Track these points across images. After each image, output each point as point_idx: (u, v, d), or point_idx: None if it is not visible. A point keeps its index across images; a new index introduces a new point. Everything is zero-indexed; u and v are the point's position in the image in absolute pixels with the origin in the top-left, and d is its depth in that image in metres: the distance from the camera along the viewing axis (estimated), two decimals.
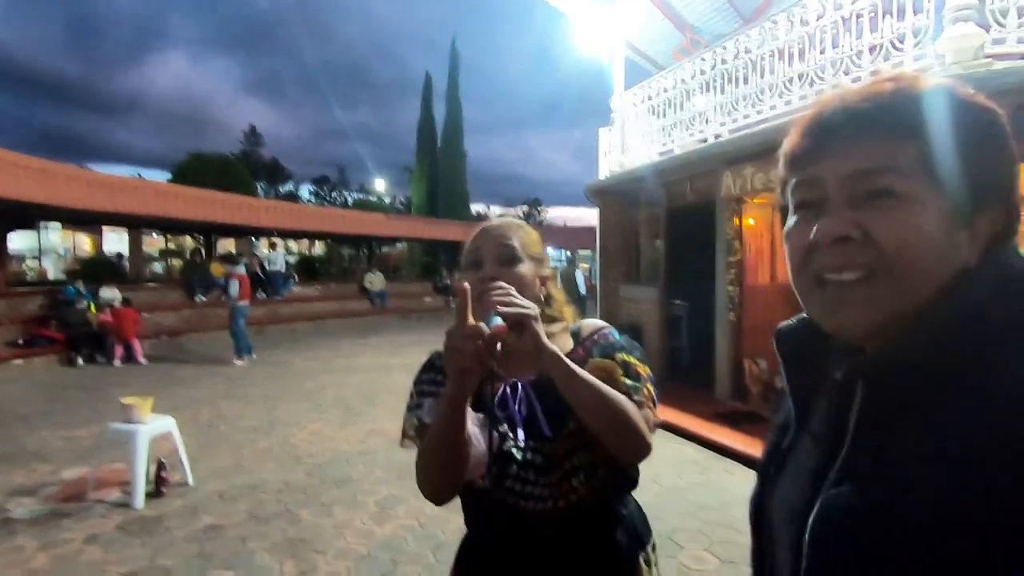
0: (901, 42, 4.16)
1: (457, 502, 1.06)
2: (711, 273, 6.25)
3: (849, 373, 0.52)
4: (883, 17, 4.35)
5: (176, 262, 22.16)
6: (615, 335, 1.10)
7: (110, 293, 11.23)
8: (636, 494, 1.13)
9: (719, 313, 6.14)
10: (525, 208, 50.55)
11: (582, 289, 12.91)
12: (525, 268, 1.07)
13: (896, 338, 0.49)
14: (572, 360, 0.98)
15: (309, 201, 43.69)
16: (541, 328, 0.94)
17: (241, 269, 10.01)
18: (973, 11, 3.75)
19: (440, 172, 24.85)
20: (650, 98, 7.12)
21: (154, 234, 21.25)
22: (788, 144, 0.56)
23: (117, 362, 9.46)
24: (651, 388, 1.04)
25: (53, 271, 20.45)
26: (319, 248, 25.71)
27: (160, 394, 5.60)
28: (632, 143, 7.65)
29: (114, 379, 8.17)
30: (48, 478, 4.22)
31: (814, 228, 0.51)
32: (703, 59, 6.20)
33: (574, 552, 1.01)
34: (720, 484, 4.10)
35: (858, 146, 0.50)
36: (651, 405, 1.02)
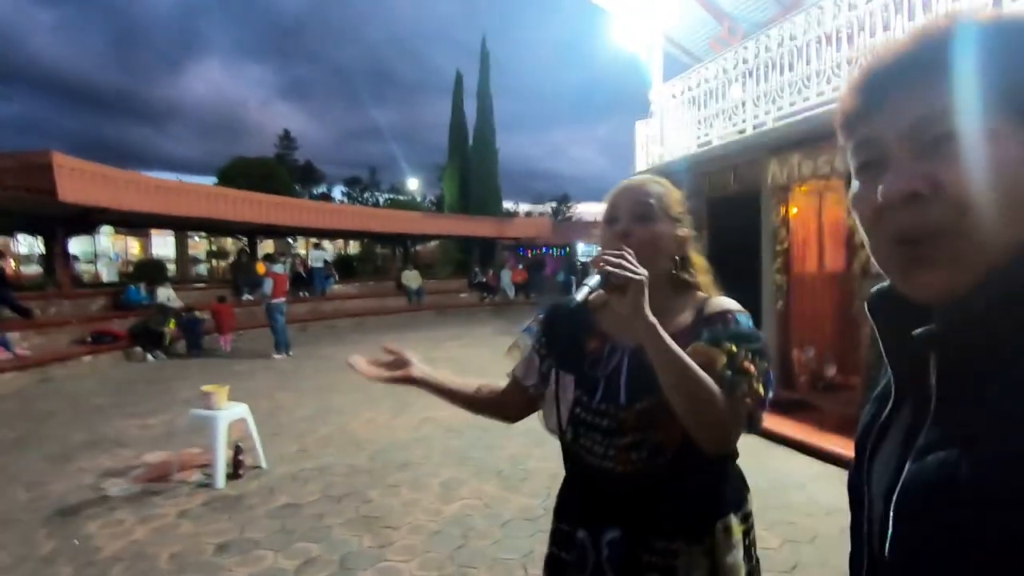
0: None
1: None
2: (756, 263, 6.23)
3: (920, 340, 0.48)
4: None
5: (219, 263, 23.04)
6: (740, 322, 1.04)
7: (166, 293, 11.79)
8: None
9: (766, 303, 6.12)
10: (554, 204, 50.37)
11: None
12: (661, 226, 1.08)
13: (974, 301, 0.44)
14: (682, 335, 0.99)
15: (342, 202, 44.52)
16: (644, 296, 0.93)
17: (279, 268, 10.39)
18: None
19: (472, 170, 25.05)
20: (690, 89, 7.12)
21: (196, 237, 22.12)
22: (840, 106, 0.52)
23: (227, 347, 10.68)
24: (757, 387, 0.97)
25: (106, 274, 21.49)
26: (353, 247, 26.28)
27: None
28: (671, 135, 7.66)
29: (174, 373, 8.59)
30: (132, 462, 4.52)
31: (879, 188, 0.47)
32: (746, 48, 6.18)
33: (638, 509, 1.04)
34: (772, 468, 4.14)
35: (915, 93, 0.45)
36: (750, 403, 0.97)
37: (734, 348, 0.98)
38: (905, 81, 0.46)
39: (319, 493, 3.82)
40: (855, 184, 0.51)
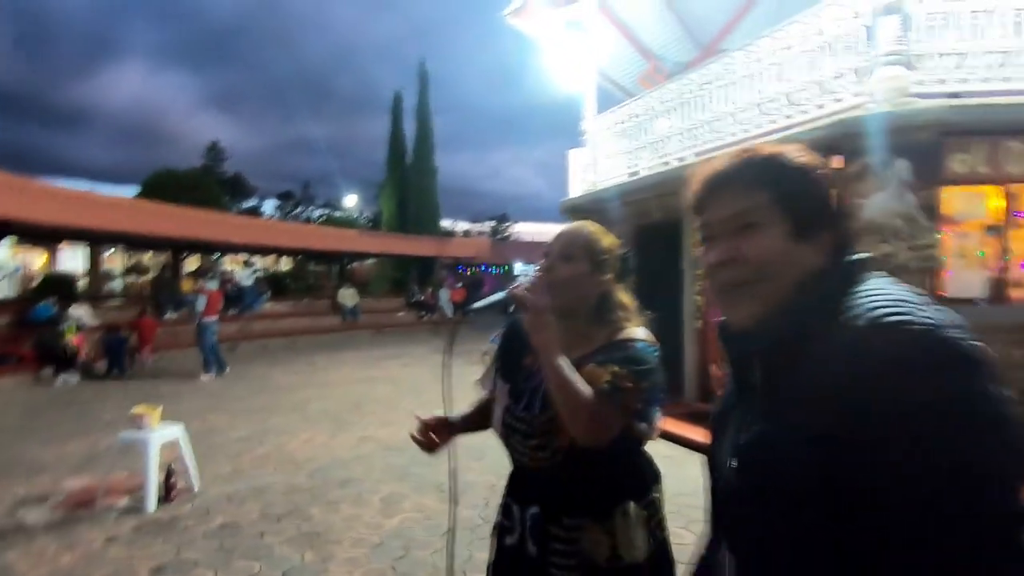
0: (841, 79, 4.75)
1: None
2: (678, 285, 6.74)
3: (744, 355, 0.75)
4: (827, 55, 4.95)
5: (135, 279, 21.69)
6: (637, 349, 1.24)
7: (79, 311, 11.06)
8: None
9: (687, 322, 6.62)
10: (492, 223, 50.95)
11: None
12: (579, 267, 1.28)
13: (771, 325, 0.70)
14: (586, 357, 1.22)
15: (273, 216, 43.13)
16: (542, 317, 1.15)
17: (212, 285, 10.08)
18: (900, 56, 4.35)
19: (410, 188, 25.08)
20: (621, 122, 7.65)
21: (112, 251, 20.76)
22: (687, 197, 0.80)
23: (149, 360, 10.77)
24: (632, 400, 1.17)
25: (3, 289, 19.73)
26: (284, 264, 25.49)
27: None
28: (603, 163, 8.16)
29: (93, 396, 8.10)
30: (50, 488, 4.29)
31: (710, 255, 0.76)
32: (669, 88, 6.76)
33: (550, 493, 1.27)
34: (691, 475, 4.49)
35: (729, 197, 0.75)
36: (620, 413, 1.16)
37: (618, 369, 1.17)
38: (724, 189, 0.76)
39: (258, 512, 3.81)
40: (702, 250, 0.79)
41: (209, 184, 21.41)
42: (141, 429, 3.99)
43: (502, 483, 1.41)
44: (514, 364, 1.37)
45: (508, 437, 1.32)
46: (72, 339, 9.82)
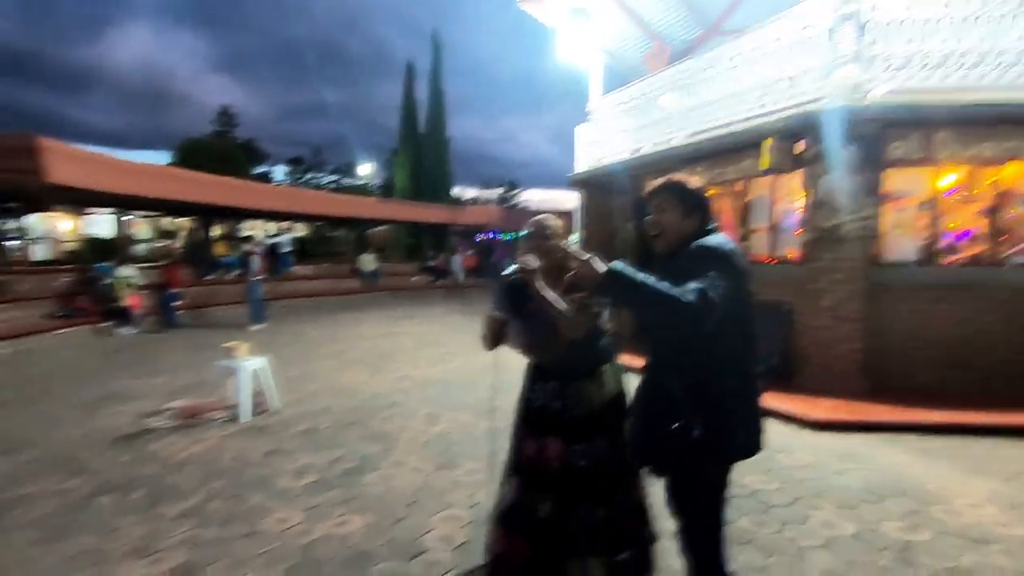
0: (806, 75, 5.59)
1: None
2: None
3: (670, 259, 1.90)
4: (796, 54, 5.76)
5: (163, 243, 22.84)
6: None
7: (128, 271, 12.18)
8: None
9: None
10: (501, 190, 51.42)
11: None
12: (552, 243, 2.30)
13: (675, 251, 1.89)
14: (561, 294, 2.26)
15: (283, 182, 43.78)
16: (538, 278, 2.16)
17: (259, 249, 11.27)
18: (854, 57, 5.18)
19: (424, 157, 25.81)
20: (623, 103, 8.46)
21: (133, 216, 21.82)
22: (648, 190, 1.98)
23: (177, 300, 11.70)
24: (591, 314, 2.19)
25: (41, 253, 20.88)
26: (300, 230, 26.47)
27: (201, 356, 6.71)
28: (608, 141, 9.00)
29: (154, 345, 9.24)
30: (157, 407, 5.41)
31: (649, 219, 1.96)
32: (665, 75, 7.56)
33: (565, 368, 2.31)
34: None
35: (660, 196, 1.95)
36: (586, 320, 2.17)
37: (583, 299, 2.21)
38: (659, 191, 1.99)
39: (329, 423, 4.92)
40: (650, 217, 1.91)
41: (237, 154, 22.28)
42: (235, 358, 5.06)
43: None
44: (520, 310, 2.36)
45: (530, 347, 2.36)
46: (126, 295, 10.98)
